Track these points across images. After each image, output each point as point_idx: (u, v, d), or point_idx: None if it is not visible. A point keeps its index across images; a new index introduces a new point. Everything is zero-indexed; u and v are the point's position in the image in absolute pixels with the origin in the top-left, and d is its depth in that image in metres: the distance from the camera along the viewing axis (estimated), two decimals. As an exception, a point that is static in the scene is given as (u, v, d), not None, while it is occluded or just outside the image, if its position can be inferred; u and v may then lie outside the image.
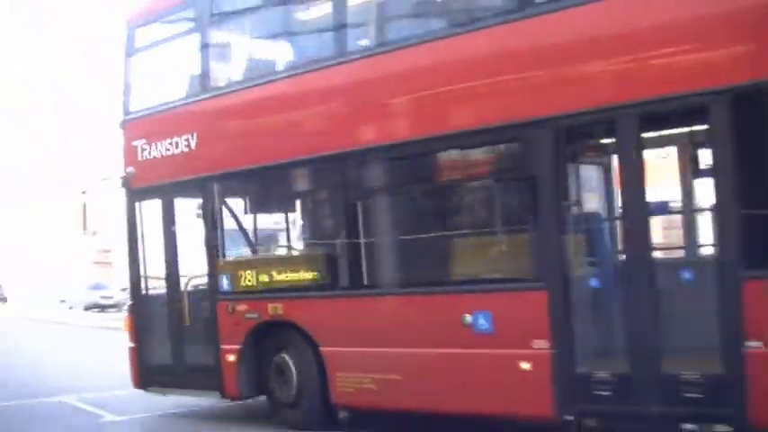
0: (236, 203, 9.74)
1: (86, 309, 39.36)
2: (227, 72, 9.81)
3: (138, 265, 10.46)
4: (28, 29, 60.54)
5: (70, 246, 49.10)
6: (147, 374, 10.39)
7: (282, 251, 9.58)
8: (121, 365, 10.86)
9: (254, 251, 9.81)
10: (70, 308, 42.82)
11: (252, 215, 9.79)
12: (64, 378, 13.90)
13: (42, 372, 15.23)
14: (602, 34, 6.86)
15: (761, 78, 6.12)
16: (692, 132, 6.85)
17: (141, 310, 10.57)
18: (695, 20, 6.47)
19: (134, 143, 10.32)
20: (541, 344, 7.15)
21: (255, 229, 9.70)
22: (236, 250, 9.97)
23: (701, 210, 6.63)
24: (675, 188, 6.91)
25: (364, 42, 8.55)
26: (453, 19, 8.03)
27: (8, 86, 58.27)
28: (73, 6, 57.20)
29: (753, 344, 6.19)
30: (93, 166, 46.10)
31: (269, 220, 9.55)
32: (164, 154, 10.02)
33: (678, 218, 6.90)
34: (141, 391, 10.62)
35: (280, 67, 9.52)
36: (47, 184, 55.83)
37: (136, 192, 10.34)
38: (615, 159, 6.90)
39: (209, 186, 9.59)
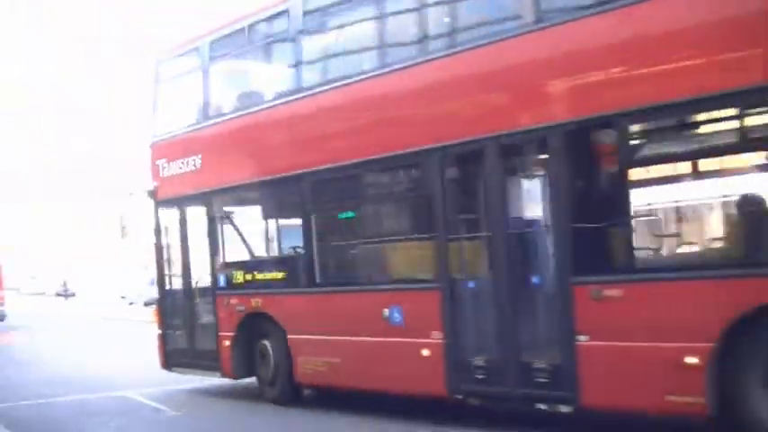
0: (231, 213, 11.51)
1: (146, 304, 38.78)
2: (220, 104, 11.61)
3: (163, 266, 12.46)
4: (28, 29, 60.68)
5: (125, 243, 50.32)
6: (171, 357, 12.36)
7: (262, 255, 11.29)
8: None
9: (251, 254, 11.60)
10: (130, 303, 43.80)
11: (241, 223, 11.55)
12: (126, 373, 14.42)
13: (106, 367, 15.83)
14: (465, 84, 8.31)
15: (582, 116, 7.38)
16: (536, 160, 8.11)
17: (166, 303, 12.58)
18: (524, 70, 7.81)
19: (157, 162, 12.31)
20: (437, 335, 8.59)
21: (243, 236, 11.46)
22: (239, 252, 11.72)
23: (547, 227, 7.88)
24: (535, 208, 8.16)
25: (306, 83, 10.19)
26: (365, 65, 9.54)
27: (8, 86, 57.49)
28: (73, 6, 57.98)
29: (582, 338, 7.45)
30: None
31: (259, 228, 11.27)
32: (178, 172, 11.95)
33: (534, 233, 8.15)
34: (194, 387, 12.34)
35: (250, 104, 11.22)
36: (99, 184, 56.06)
37: (160, 203, 12.32)
38: (485, 182, 8.25)
39: (210, 199, 11.45)
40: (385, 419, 9.17)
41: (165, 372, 12.48)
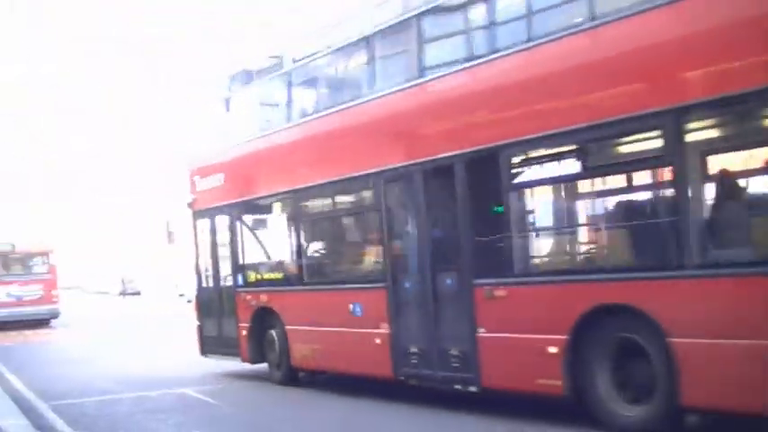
0: (246, 222, 13.61)
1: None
2: (233, 136, 13.75)
3: (199, 266, 14.67)
4: (28, 29, 61.65)
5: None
6: (206, 345, 14.54)
7: (268, 258, 13.35)
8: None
9: (260, 257, 13.67)
10: (188, 301, 45.41)
11: (254, 231, 13.64)
12: (185, 369, 14.87)
13: (165, 363, 16.40)
14: (397, 121, 10.15)
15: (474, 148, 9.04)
16: (448, 184, 9.76)
17: (202, 298, 14.78)
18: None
19: (194, 178, 14.54)
20: (384, 326, 10.38)
21: (256, 242, 13.55)
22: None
23: (458, 238, 9.53)
24: (451, 222, 9.82)
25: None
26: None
27: (8, 86, 57.26)
28: (73, 6, 58.30)
29: (481, 330, 9.11)
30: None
31: (265, 235, 13.34)
32: (208, 187, 14.13)
33: (449, 243, 9.82)
34: (245, 384, 13.27)
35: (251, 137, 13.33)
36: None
37: (196, 213, 14.53)
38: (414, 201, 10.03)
39: (230, 210, 13.58)
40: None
41: (221, 369, 14.07)
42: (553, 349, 8.27)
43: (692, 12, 7.17)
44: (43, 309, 29.51)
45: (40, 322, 29.50)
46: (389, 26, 10.26)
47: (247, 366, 13.54)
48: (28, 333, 27.04)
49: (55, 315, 30.14)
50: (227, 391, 12.58)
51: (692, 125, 7.31)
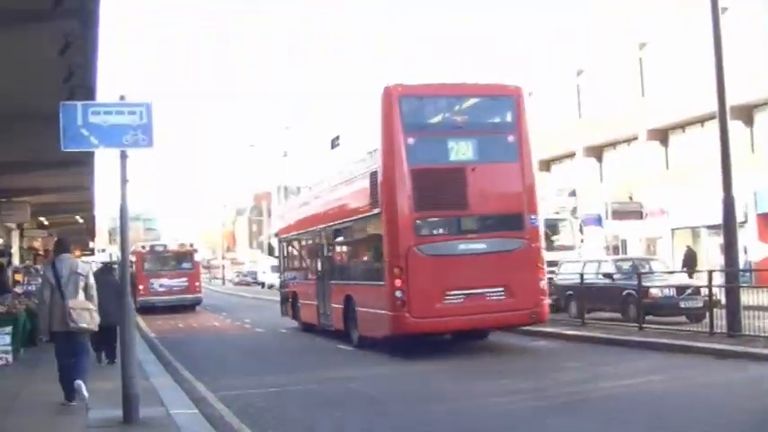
0: (291, 246, 25.73)
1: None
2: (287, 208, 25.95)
3: (280, 272, 27.07)
4: None
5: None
6: (283, 314, 26.70)
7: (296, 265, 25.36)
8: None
9: (294, 265, 25.79)
10: (270, 287, 55.89)
11: (294, 251, 25.67)
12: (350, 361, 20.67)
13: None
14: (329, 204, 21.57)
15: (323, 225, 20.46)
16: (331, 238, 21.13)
17: (280, 287, 27.22)
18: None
19: (277, 216, 27.05)
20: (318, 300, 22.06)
21: (295, 256, 25.62)
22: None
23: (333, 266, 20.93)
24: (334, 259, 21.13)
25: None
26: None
27: None
28: None
29: (335, 304, 20.42)
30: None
31: (298, 253, 25.42)
32: (282, 226, 26.51)
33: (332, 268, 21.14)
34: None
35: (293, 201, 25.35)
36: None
37: (279, 239, 26.96)
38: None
39: (283, 239, 25.86)
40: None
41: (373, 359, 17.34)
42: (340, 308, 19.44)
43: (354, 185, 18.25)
44: (189, 297, 36.07)
45: (186, 307, 35.72)
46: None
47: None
48: (186, 320, 31.81)
49: (198, 302, 37.07)
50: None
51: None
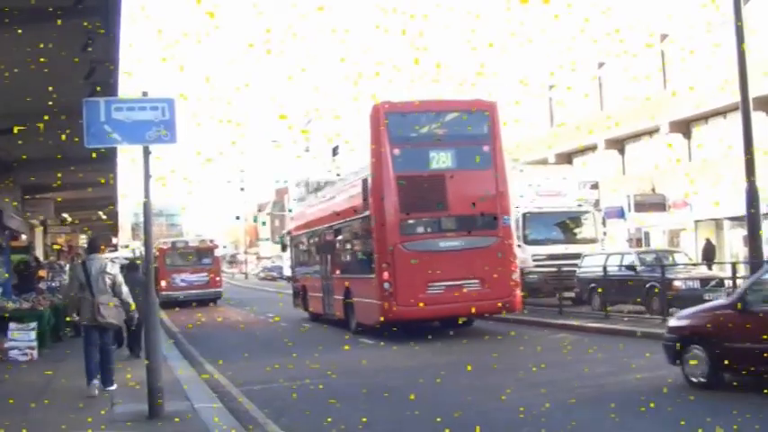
0: (299, 242, 25.95)
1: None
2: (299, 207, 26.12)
3: (291, 267, 27.30)
4: None
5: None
6: (295, 305, 26.92)
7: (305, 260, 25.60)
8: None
9: (303, 261, 26.03)
10: (288, 279, 55.27)
11: (304, 247, 25.86)
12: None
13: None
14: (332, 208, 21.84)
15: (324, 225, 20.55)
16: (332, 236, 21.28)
17: (293, 283, 27.50)
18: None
19: (291, 218, 27.19)
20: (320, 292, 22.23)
21: (304, 252, 25.81)
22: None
23: (336, 259, 21.03)
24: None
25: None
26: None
27: None
28: None
29: (336, 296, 20.52)
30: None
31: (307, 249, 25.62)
32: (293, 225, 26.67)
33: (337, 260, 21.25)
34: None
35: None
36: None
37: (291, 237, 27.21)
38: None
39: (293, 238, 26.07)
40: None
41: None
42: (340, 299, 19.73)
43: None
44: (209, 291, 36.62)
45: (207, 301, 36.35)
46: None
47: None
48: (210, 314, 30.95)
49: (218, 296, 37.62)
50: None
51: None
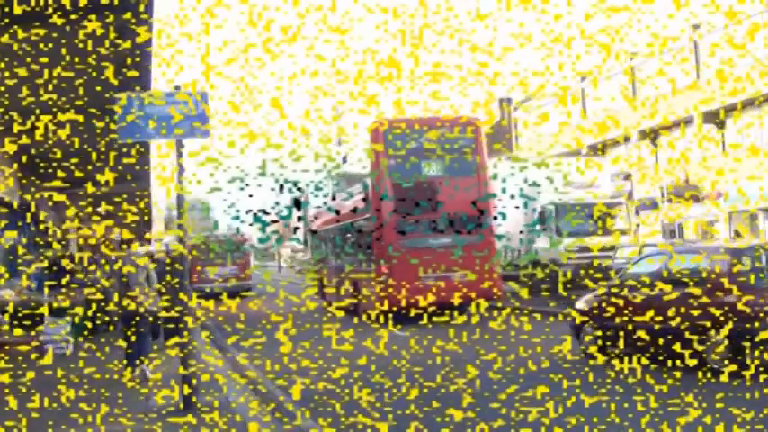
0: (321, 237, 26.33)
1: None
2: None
3: (310, 259, 27.88)
4: None
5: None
6: (315, 294, 27.36)
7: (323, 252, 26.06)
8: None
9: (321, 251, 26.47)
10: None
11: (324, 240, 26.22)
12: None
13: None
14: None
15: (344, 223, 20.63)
16: (349, 231, 21.58)
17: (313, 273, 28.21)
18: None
19: (310, 216, 27.69)
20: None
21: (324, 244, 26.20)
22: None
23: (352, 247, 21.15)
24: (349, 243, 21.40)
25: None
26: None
27: None
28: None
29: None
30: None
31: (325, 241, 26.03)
32: (312, 223, 26.99)
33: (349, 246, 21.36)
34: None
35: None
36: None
37: (311, 233, 27.63)
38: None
39: (313, 234, 26.42)
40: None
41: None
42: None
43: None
44: (240, 284, 37.40)
45: (238, 293, 37.20)
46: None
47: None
48: (242, 305, 31.36)
49: (249, 288, 38.32)
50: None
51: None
